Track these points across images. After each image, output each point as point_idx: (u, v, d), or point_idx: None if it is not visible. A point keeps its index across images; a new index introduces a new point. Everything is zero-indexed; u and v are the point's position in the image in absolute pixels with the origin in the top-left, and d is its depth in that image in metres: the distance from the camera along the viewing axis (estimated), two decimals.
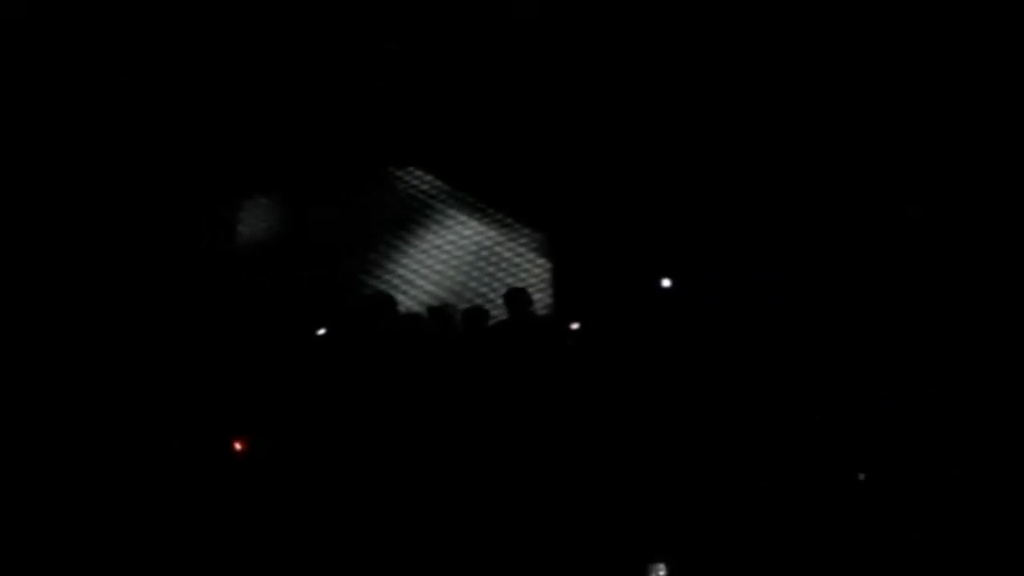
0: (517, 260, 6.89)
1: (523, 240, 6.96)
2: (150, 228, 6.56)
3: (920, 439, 5.57)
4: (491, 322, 6.14)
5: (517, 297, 6.14)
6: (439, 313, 6.22)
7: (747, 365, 5.79)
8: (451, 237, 6.96)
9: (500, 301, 6.23)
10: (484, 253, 6.91)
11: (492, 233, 6.97)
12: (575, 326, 6.12)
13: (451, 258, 6.88)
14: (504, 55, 6.96)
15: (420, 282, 6.76)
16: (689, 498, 5.38)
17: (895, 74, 6.63)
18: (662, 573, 5.23)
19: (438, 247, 6.91)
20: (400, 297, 6.51)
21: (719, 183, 6.64)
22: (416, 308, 6.48)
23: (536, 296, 6.47)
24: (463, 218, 7.02)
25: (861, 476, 5.45)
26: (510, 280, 6.75)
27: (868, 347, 5.90)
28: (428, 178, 7.13)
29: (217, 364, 5.91)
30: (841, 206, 6.47)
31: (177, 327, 6.12)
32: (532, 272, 6.87)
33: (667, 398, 5.64)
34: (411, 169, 7.14)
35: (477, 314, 6.17)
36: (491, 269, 6.84)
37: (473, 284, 6.77)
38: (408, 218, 7.03)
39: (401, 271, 6.80)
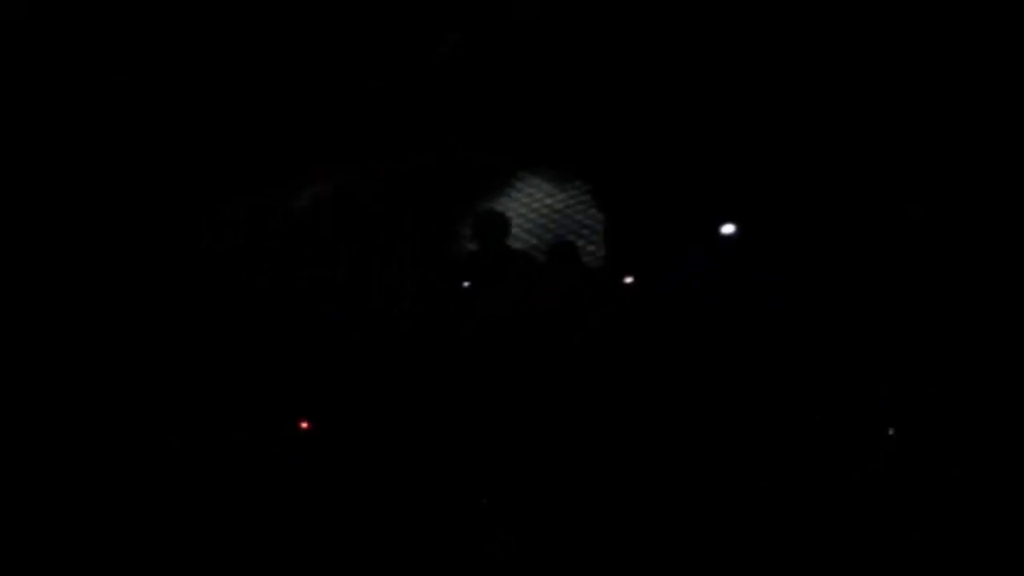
0: (569, 212, 6.83)
1: (575, 193, 6.90)
2: (150, 228, 6.56)
3: (920, 439, 5.57)
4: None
5: (562, 251, 6.06)
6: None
7: (747, 365, 5.79)
8: (506, 191, 6.91)
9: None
10: (535, 205, 6.88)
11: (547, 187, 6.92)
12: (629, 280, 6.09)
13: (505, 210, 6.81)
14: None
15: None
16: (689, 498, 5.39)
17: (895, 74, 6.63)
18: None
19: (492, 202, 6.87)
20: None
21: (717, 183, 6.63)
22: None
23: (589, 249, 6.45)
24: (519, 175, 6.96)
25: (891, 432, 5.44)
26: (561, 232, 6.71)
27: (868, 347, 5.90)
28: (477, 140, 7.07)
29: (217, 364, 5.91)
30: (841, 206, 6.47)
31: (177, 327, 6.12)
32: (583, 223, 6.81)
33: (666, 398, 5.64)
34: (461, 135, 7.09)
35: (527, 260, 6.13)
36: (542, 221, 6.82)
37: (524, 236, 6.74)
38: (463, 181, 6.98)
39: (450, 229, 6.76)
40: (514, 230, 6.66)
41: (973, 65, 6.54)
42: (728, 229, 6.16)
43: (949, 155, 6.47)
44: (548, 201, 6.90)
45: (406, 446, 5.54)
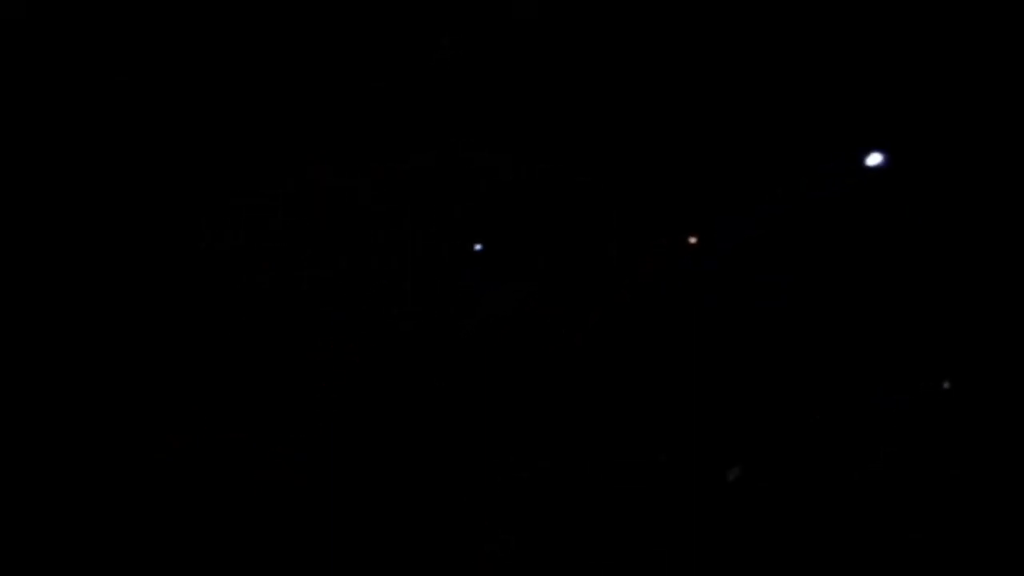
0: (569, 212, 6.79)
1: (575, 192, 6.88)
2: (150, 228, 6.56)
3: (921, 439, 5.57)
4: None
5: (562, 249, 6.06)
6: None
7: (747, 365, 5.80)
8: (506, 191, 6.89)
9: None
10: (535, 205, 6.85)
11: (547, 186, 6.90)
12: (693, 240, 6.09)
13: (505, 210, 6.80)
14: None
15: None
16: (689, 498, 5.39)
17: (896, 73, 6.63)
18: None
19: (492, 202, 6.86)
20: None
21: (717, 183, 6.64)
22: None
23: (590, 248, 6.45)
24: (519, 175, 6.94)
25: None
26: (561, 231, 6.69)
27: (868, 347, 5.90)
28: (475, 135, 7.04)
29: (217, 364, 5.91)
30: (841, 205, 6.48)
31: (177, 327, 6.12)
32: (584, 223, 6.79)
33: (666, 397, 5.64)
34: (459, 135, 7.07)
35: (527, 260, 6.14)
36: (542, 221, 6.80)
37: (524, 235, 6.72)
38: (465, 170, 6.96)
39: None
40: (513, 229, 6.65)
41: (973, 65, 6.55)
42: (876, 159, 6.02)
43: (948, 155, 6.47)
44: (548, 200, 6.90)
45: (406, 446, 5.54)
